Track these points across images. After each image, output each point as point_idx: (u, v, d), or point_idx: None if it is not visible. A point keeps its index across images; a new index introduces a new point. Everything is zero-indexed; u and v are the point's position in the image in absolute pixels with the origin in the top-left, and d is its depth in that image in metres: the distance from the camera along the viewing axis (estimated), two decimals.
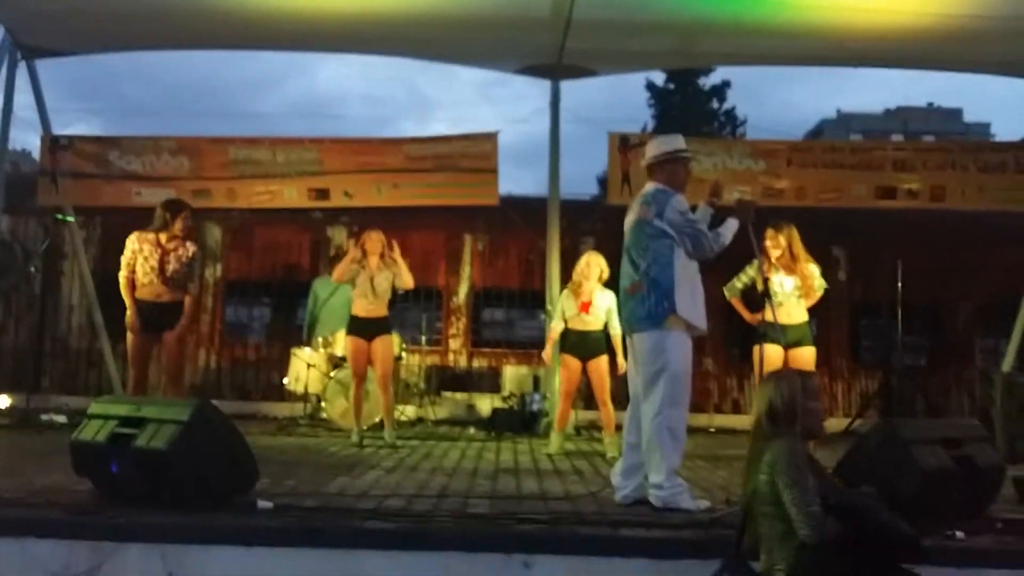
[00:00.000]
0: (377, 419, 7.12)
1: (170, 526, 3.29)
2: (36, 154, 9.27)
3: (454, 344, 10.04)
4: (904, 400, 8.85)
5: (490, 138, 8.49)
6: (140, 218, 9.05)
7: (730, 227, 4.09)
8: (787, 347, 5.58)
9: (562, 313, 6.30)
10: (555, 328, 6.40)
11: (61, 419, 7.70)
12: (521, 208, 9.31)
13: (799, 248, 5.70)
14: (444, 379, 9.72)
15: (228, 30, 7.82)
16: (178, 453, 3.44)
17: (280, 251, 10.24)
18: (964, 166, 8.43)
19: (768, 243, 5.70)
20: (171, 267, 5.70)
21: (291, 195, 8.48)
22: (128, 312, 5.71)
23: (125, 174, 8.52)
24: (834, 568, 2.55)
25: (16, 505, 3.62)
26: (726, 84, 27.36)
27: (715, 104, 28.06)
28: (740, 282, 5.86)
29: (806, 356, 5.65)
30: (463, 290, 10.14)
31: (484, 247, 10.20)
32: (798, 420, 2.74)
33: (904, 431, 3.59)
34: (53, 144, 8.68)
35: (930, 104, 61.04)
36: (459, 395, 9.43)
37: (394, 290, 6.64)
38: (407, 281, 6.57)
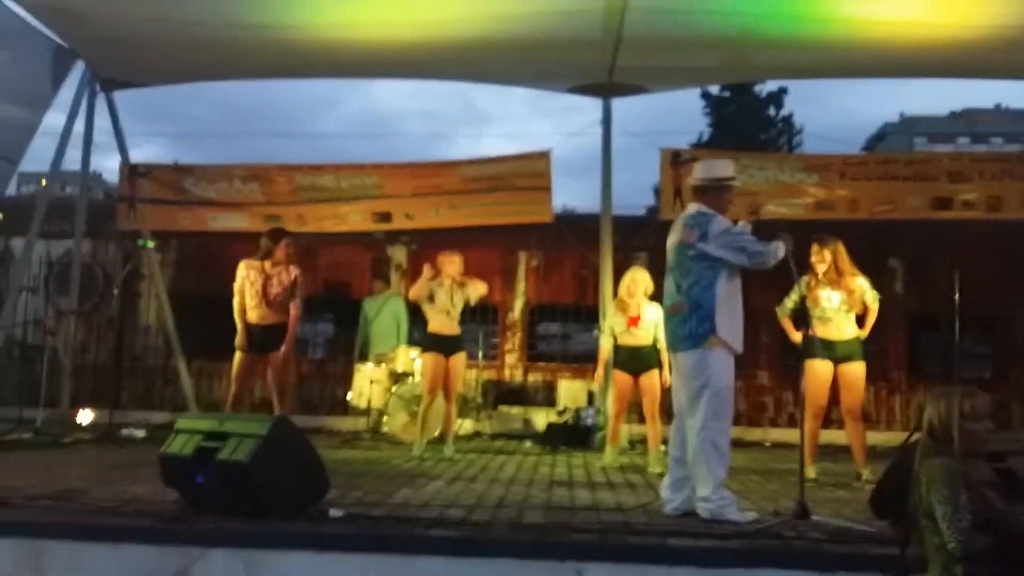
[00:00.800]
0: (437, 433, 7.39)
1: (251, 532, 3.58)
2: (106, 177, 9.89)
3: (510, 359, 10.28)
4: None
5: (543, 156, 8.74)
6: (215, 241, 9.66)
7: (779, 247, 4.19)
8: (836, 362, 5.65)
9: (611, 330, 6.47)
10: (605, 346, 6.57)
11: (140, 433, 8.17)
12: (575, 225, 9.53)
13: (844, 262, 5.71)
14: (500, 393, 9.96)
15: (293, 59, 8.23)
16: (258, 465, 3.74)
17: (343, 270, 10.64)
18: (1022, 175, 8.36)
19: (814, 259, 5.73)
20: (274, 291, 6.13)
21: (356, 219, 8.91)
22: (238, 334, 6.16)
23: (200, 200, 9.04)
24: None
25: (111, 513, 3.95)
26: (783, 91, 27.14)
27: (772, 111, 27.86)
28: (791, 301, 5.87)
29: (856, 371, 5.68)
30: (518, 306, 10.38)
31: (539, 263, 10.43)
32: (955, 439, 2.82)
33: None
34: (131, 172, 9.25)
35: (997, 105, 59.17)
36: (515, 409, 9.65)
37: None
38: (482, 289, 6.92)
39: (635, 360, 6.31)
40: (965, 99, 57.92)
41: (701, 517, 3.99)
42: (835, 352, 5.63)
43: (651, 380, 6.27)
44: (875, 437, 8.12)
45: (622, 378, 6.36)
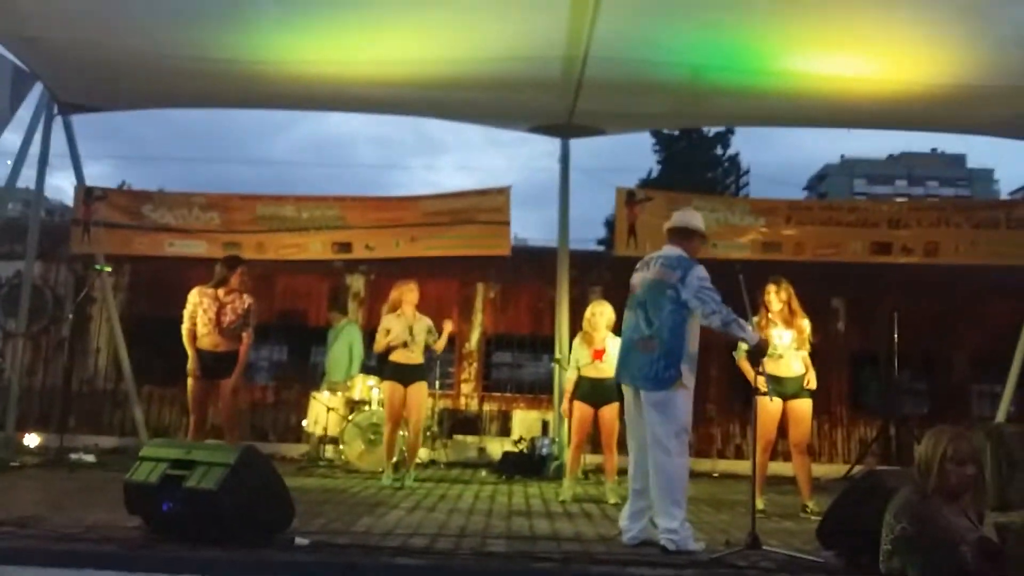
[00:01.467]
0: (393, 461, 7.44)
1: (220, 559, 3.62)
2: (48, 195, 9.74)
3: (466, 388, 10.38)
4: (901, 446, 9.13)
5: (503, 192, 8.95)
6: (169, 266, 9.60)
7: (746, 331, 4.40)
8: (785, 398, 5.90)
9: (576, 363, 6.63)
10: (570, 379, 6.72)
11: (90, 458, 8.05)
12: (532, 258, 9.73)
13: (796, 303, 6.01)
14: (456, 422, 10.04)
15: (256, 91, 8.28)
16: (227, 492, 3.79)
17: (300, 298, 10.65)
18: (957, 223, 8.81)
19: (769, 297, 5.98)
20: (227, 319, 6.16)
21: (316, 248, 8.98)
22: (189, 361, 6.18)
23: (158, 226, 9.01)
24: None
25: (74, 539, 3.95)
26: (730, 131, 27.98)
27: (719, 150, 28.73)
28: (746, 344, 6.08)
29: (804, 407, 5.92)
30: (475, 336, 10.51)
31: (496, 295, 10.59)
32: (932, 476, 3.02)
33: (888, 480, 3.89)
34: (87, 195, 9.16)
35: (934, 150, 61.73)
36: (470, 438, 9.74)
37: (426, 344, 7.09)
38: (440, 345, 7.14)
39: (597, 392, 6.43)
40: (903, 143, 60.24)
41: (665, 548, 4.11)
42: (784, 389, 5.86)
43: (612, 412, 6.41)
44: (818, 470, 8.42)
45: (583, 410, 6.49)
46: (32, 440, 8.61)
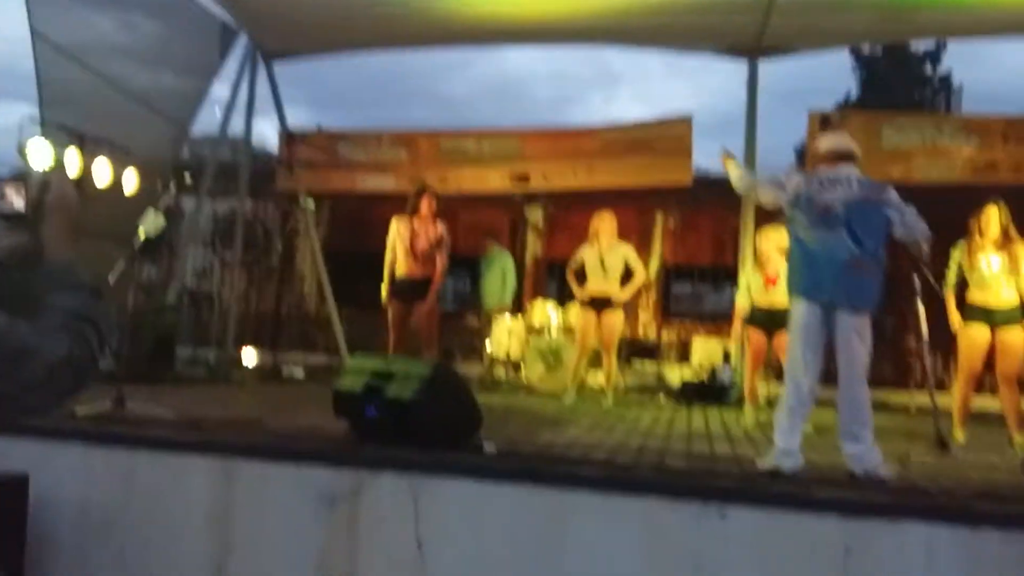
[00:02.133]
0: (570, 384, 7.64)
1: (416, 461, 3.93)
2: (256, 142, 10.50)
3: (644, 317, 10.39)
4: None
5: (683, 121, 8.75)
6: (364, 202, 10.23)
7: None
8: (994, 327, 5.48)
9: (748, 289, 6.48)
10: (741, 305, 6.59)
11: (300, 373, 8.87)
12: (713, 186, 9.45)
13: (1014, 230, 5.51)
14: (634, 350, 10.10)
15: (437, 29, 8.54)
16: (421, 402, 4.09)
17: (483, 230, 10.99)
18: None
19: (987, 220, 5.54)
20: (420, 246, 6.43)
21: (495, 180, 9.22)
22: (383, 287, 6.55)
23: (351, 164, 9.60)
24: None
25: (292, 438, 4.43)
26: (942, 46, 25.28)
27: (928, 69, 26.09)
28: (953, 273, 5.70)
29: (1014, 337, 5.48)
30: (653, 266, 10.44)
31: (676, 224, 10.43)
32: None
33: None
34: (290, 139, 9.91)
35: None
36: (648, 364, 9.78)
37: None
38: (638, 268, 7.13)
39: (771, 319, 6.28)
40: None
41: (853, 472, 4.02)
42: (994, 318, 5.45)
43: (783, 341, 6.24)
44: None
45: (758, 337, 6.36)
46: (249, 357, 9.57)
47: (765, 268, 6.36)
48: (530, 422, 5.85)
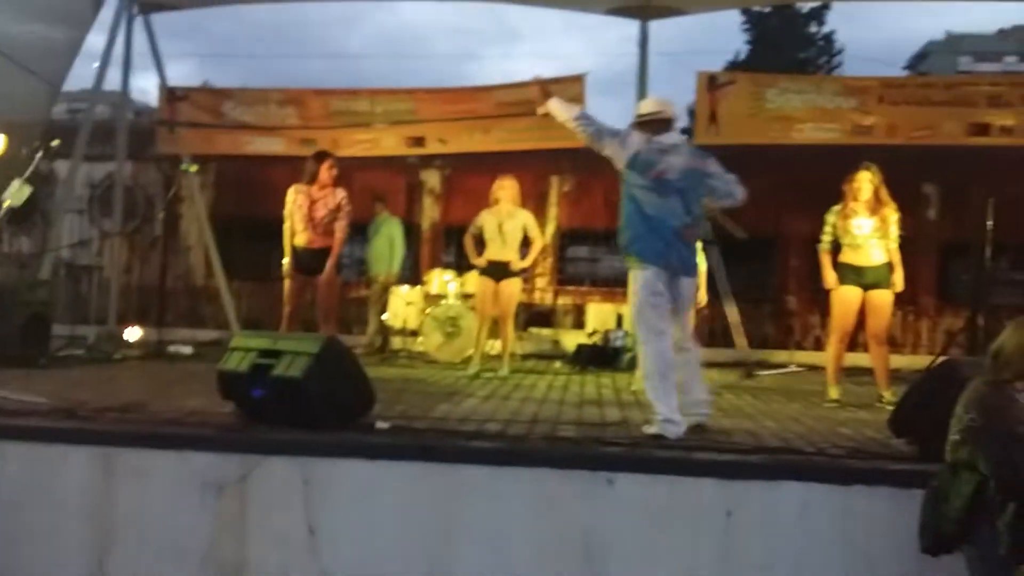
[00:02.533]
0: (468, 352, 7.66)
1: (306, 442, 3.87)
2: (134, 96, 9.91)
3: (540, 283, 10.48)
4: (990, 337, 8.83)
5: (578, 80, 8.74)
6: (252, 164, 9.85)
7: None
8: (865, 288, 5.75)
9: None
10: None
11: (187, 350, 8.53)
12: None
13: (885, 192, 5.73)
14: (531, 316, 10.19)
15: None
16: (311, 380, 4.00)
17: (376, 194, 10.77)
18: None
19: (859, 184, 5.72)
20: (319, 214, 6.21)
21: (389, 143, 9.02)
22: (284, 259, 6.32)
23: (238, 124, 9.20)
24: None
25: (174, 423, 4.26)
26: (825, 7, 26.18)
27: (813, 28, 27.07)
28: (827, 235, 5.88)
29: (883, 298, 5.76)
30: (549, 230, 10.51)
31: (571, 188, 10.51)
32: (1014, 364, 2.88)
33: (964, 369, 3.80)
34: (171, 95, 9.40)
35: None
36: (545, 331, 9.89)
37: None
38: (536, 235, 7.14)
39: None
40: (1014, 16, 55.46)
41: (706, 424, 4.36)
42: (864, 278, 5.71)
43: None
44: (901, 361, 8.28)
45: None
46: (133, 334, 9.10)
47: None
48: (426, 395, 5.83)
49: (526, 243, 7.20)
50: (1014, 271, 10.54)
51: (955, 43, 57.88)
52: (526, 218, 7.14)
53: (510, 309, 7.21)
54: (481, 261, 7.12)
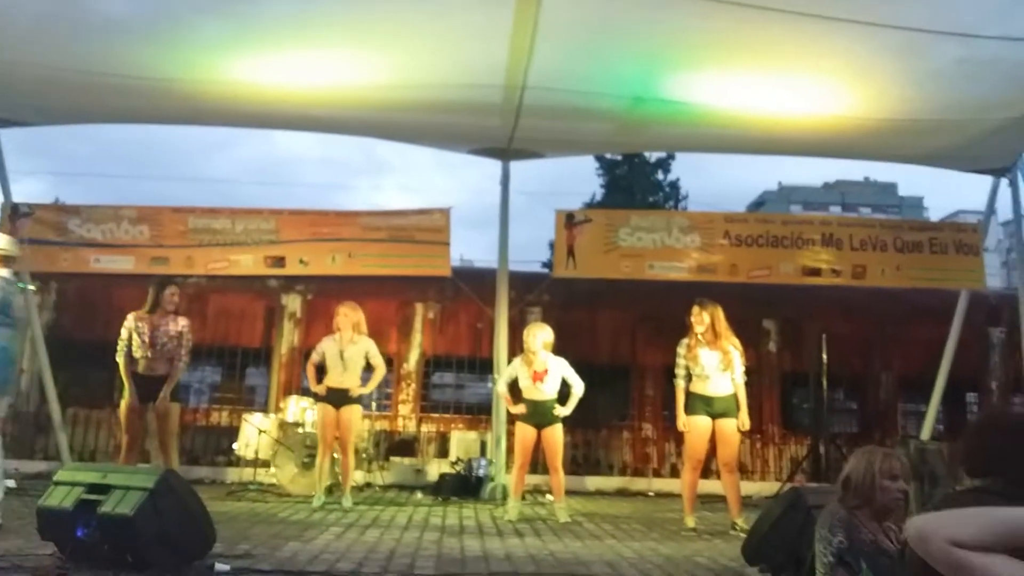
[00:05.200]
0: (327, 484, 7.32)
1: None
2: None
3: (404, 410, 10.28)
4: (831, 464, 9.33)
5: (443, 213, 8.93)
6: (96, 284, 9.33)
7: None
8: (714, 417, 5.99)
9: (514, 379, 6.63)
10: (501, 391, 6.77)
11: (11, 483, 7.69)
12: (472, 279, 9.71)
13: (721, 325, 6.09)
14: (393, 444, 9.92)
15: (195, 108, 8.13)
16: (143, 518, 3.68)
17: (234, 318, 10.43)
18: (883, 245, 9.08)
19: (693, 319, 6.09)
20: (160, 341, 6.08)
21: (248, 263, 8.77)
22: (126, 387, 6.10)
23: (84, 241, 8.73)
24: None
25: None
26: (671, 157, 28.48)
27: (660, 175, 29.25)
28: (681, 368, 6.12)
29: (731, 427, 6.02)
30: (413, 357, 10.43)
31: (435, 315, 10.53)
32: (864, 491, 2.97)
33: (808, 496, 3.98)
34: (13, 212, 8.86)
35: (866, 178, 63.77)
36: (407, 460, 9.63)
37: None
38: (378, 363, 7.07)
39: (539, 413, 6.44)
40: (837, 171, 62.19)
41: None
42: (712, 407, 5.96)
43: (553, 433, 6.43)
44: (751, 487, 8.57)
45: (526, 431, 6.47)
46: None
47: (532, 364, 6.52)
48: (275, 530, 5.47)
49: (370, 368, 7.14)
50: (848, 400, 11.32)
51: (787, 193, 64.00)
52: (368, 345, 7.10)
53: (349, 436, 7.02)
54: (321, 388, 6.97)
